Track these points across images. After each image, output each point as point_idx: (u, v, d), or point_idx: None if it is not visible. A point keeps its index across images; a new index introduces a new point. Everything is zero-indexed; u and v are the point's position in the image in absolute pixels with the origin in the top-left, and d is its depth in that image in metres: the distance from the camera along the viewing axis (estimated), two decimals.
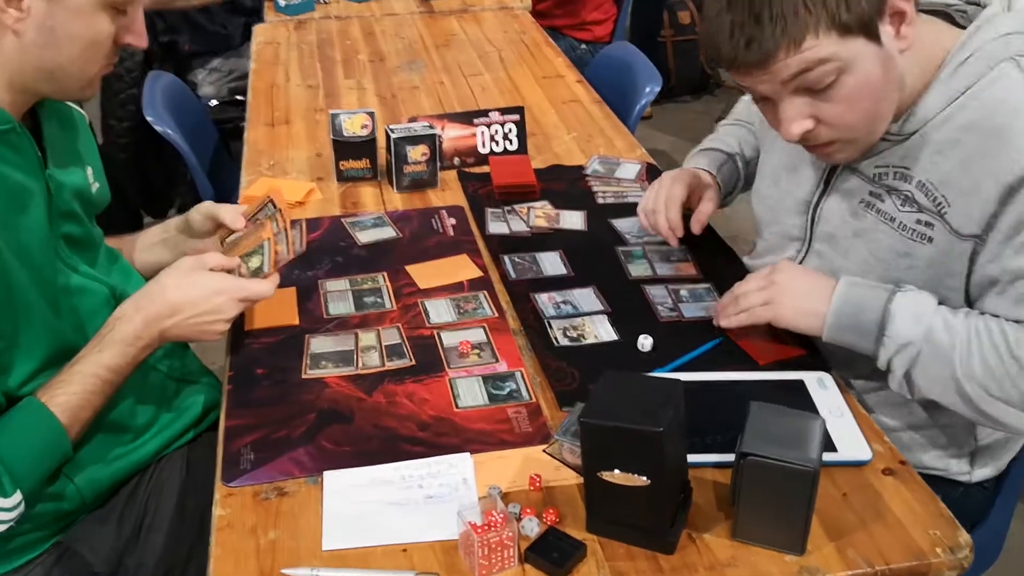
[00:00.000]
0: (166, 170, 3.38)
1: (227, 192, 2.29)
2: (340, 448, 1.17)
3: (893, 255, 1.25)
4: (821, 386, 1.25)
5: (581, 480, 1.10)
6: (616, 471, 1.00)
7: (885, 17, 1.12)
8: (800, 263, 1.39)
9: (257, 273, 1.30)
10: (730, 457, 1.09)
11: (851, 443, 1.15)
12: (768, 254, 1.47)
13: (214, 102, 3.32)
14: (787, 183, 1.41)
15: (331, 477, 1.13)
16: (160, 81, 2.37)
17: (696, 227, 1.54)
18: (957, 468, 1.37)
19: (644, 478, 0.99)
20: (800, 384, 1.26)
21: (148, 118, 2.20)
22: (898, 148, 1.23)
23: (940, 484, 1.34)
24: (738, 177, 1.63)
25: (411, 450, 1.17)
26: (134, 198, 3.34)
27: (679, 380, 1.03)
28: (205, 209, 1.42)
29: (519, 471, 1.14)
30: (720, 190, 1.59)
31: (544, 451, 1.17)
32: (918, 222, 1.21)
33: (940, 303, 1.20)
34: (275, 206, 1.38)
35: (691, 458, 1.11)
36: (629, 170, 1.87)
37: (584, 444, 1.01)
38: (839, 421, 1.19)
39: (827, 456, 1.05)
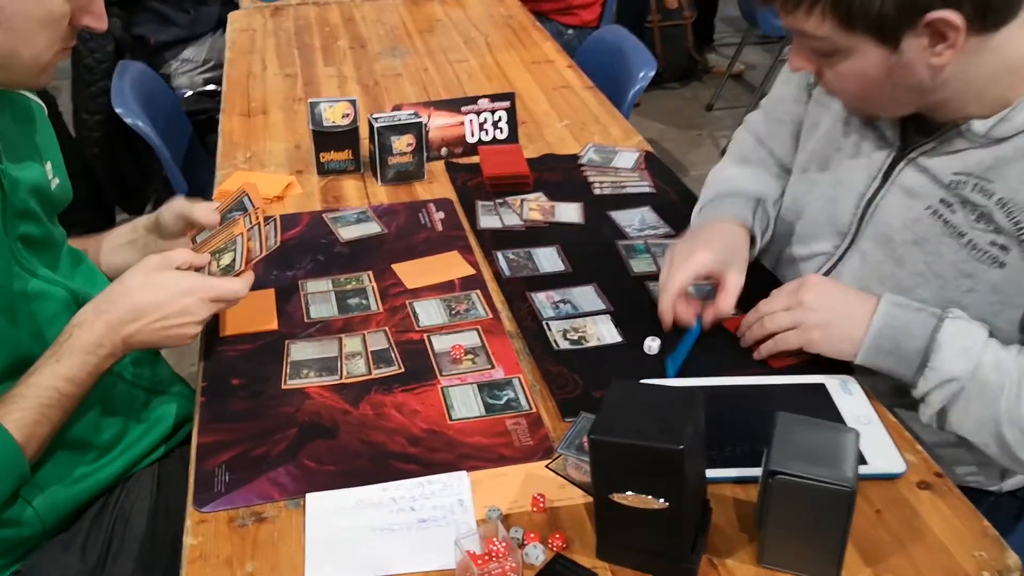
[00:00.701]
0: (141, 164, 3.26)
1: (202, 187, 2.18)
2: (324, 467, 1.07)
3: (955, 273, 1.13)
4: (845, 390, 1.15)
5: (589, 499, 1.00)
6: (630, 493, 0.90)
7: (918, 30, 1.02)
8: (838, 260, 1.28)
9: (228, 271, 1.19)
10: (752, 471, 1.00)
11: (882, 454, 1.06)
12: (799, 243, 1.36)
13: (189, 93, 3.21)
14: (836, 166, 1.28)
15: (314, 500, 1.03)
16: (130, 71, 2.25)
17: (708, 320, 1.26)
18: (987, 481, 1.28)
19: (662, 500, 0.89)
20: (822, 388, 1.16)
21: (117, 110, 2.08)
22: (983, 154, 1.10)
23: (969, 494, 1.25)
24: (767, 224, 1.39)
25: (402, 468, 1.06)
26: (108, 193, 3.22)
27: (698, 390, 0.93)
28: (177, 208, 1.31)
29: (520, 490, 1.04)
30: (755, 245, 1.35)
31: (547, 467, 1.07)
32: (992, 243, 1.10)
33: (990, 334, 1.10)
34: (250, 201, 1.28)
35: (709, 473, 1.01)
36: (627, 159, 1.77)
37: (594, 463, 0.91)
38: (867, 429, 1.09)
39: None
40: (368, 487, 1.04)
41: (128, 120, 2.07)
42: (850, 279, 1.25)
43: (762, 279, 1.35)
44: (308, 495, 1.03)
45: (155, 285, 1.12)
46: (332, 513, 1.01)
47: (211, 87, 3.10)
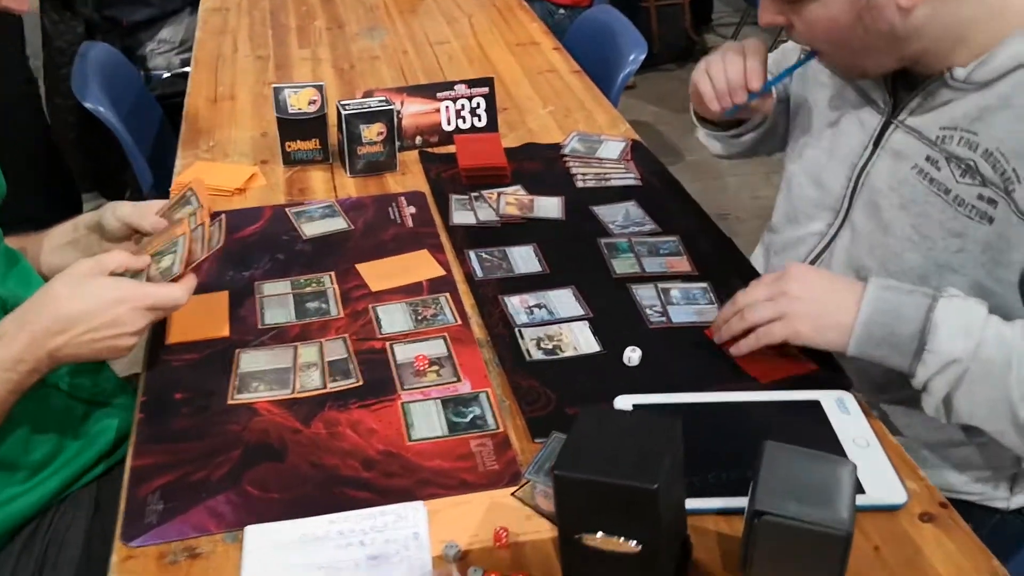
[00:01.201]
0: (117, 149, 3.16)
1: (169, 177, 2.07)
2: (267, 495, 0.97)
3: (943, 233, 1.07)
4: (841, 408, 1.06)
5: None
6: (600, 534, 0.80)
7: None
8: (832, 239, 1.23)
9: (168, 274, 1.09)
10: (737, 502, 0.91)
11: (881, 481, 0.96)
12: (792, 226, 1.30)
13: (166, 75, 3.10)
14: (831, 140, 1.24)
15: (253, 533, 0.93)
16: (93, 53, 2.14)
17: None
18: (994, 492, 1.19)
19: (635, 543, 0.79)
20: (816, 406, 1.06)
21: (76, 94, 1.97)
22: (968, 104, 1.06)
23: (973, 511, 1.17)
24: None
25: (353, 496, 0.97)
26: (80, 181, 3.12)
27: (678, 420, 0.83)
28: (123, 214, 1.21)
29: (483, 521, 0.94)
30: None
31: (513, 495, 0.97)
32: (979, 197, 1.04)
33: (990, 309, 1.02)
34: (196, 198, 1.18)
35: (690, 503, 0.92)
36: (612, 148, 1.67)
37: (559, 501, 0.81)
38: (865, 453, 0.99)
39: None
40: (313, 519, 0.94)
41: (88, 104, 1.96)
42: (841, 254, 1.21)
43: (751, 277, 1.25)
44: (247, 528, 0.93)
45: (84, 293, 1.02)
46: (272, 549, 0.91)
47: (188, 69, 2.99)
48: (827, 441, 1.01)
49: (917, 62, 1.10)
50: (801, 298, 1.07)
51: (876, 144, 1.17)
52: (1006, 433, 1.01)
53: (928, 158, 1.10)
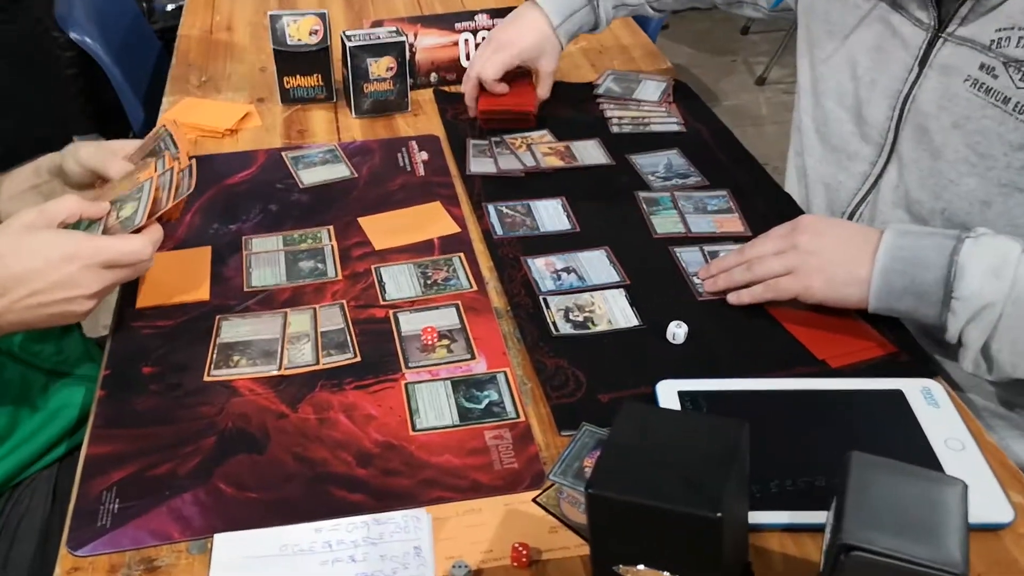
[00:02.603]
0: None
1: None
2: (243, 494, 0.82)
3: (1005, 148, 0.97)
4: (929, 400, 0.88)
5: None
6: (641, 567, 0.64)
7: None
8: (875, 182, 1.11)
9: (129, 224, 0.92)
10: (806, 516, 0.77)
11: (982, 494, 0.79)
12: (832, 170, 1.17)
13: (170, 6, 2.93)
14: (870, 69, 1.11)
15: (224, 543, 0.77)
16: None
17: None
18: None
19: None
20: (898, 396, 0.89)
21: (59, 22, 1.81)
22: None
23: None
24: (594, 24, 1.43)
25: (345, 499, 0.81)
26: (75, 118, 2.97)
27: (744, 424, 0.66)
28: (85, 158, 1.02)
29: (498, 533, 0.78)
30: (560, 46, 1.40)
31: (535, 501, 0.81)
32: None
33: None
34: (172, 141, 1.01)
35: (750, 517, 0.75)
36: (651, 89, 1.48)
37: (594, 524, 0.65)
38: (959, 457, 0.83)
39: None
40: (296, 526, 0.78)
41: (74, 35, 1.79)
42: (888, 191, 1.10)
43: None
44: (217, 536, 0.78)
45: (27, 249, 0.85)
46: (246, 562, 0.76)
47: None
48: (914, 442, 0.84)
49: None
50: (813, 252, 0.97)
51: (922, 65, 1.05)
52: None
53: (983, 66, 0.98)
